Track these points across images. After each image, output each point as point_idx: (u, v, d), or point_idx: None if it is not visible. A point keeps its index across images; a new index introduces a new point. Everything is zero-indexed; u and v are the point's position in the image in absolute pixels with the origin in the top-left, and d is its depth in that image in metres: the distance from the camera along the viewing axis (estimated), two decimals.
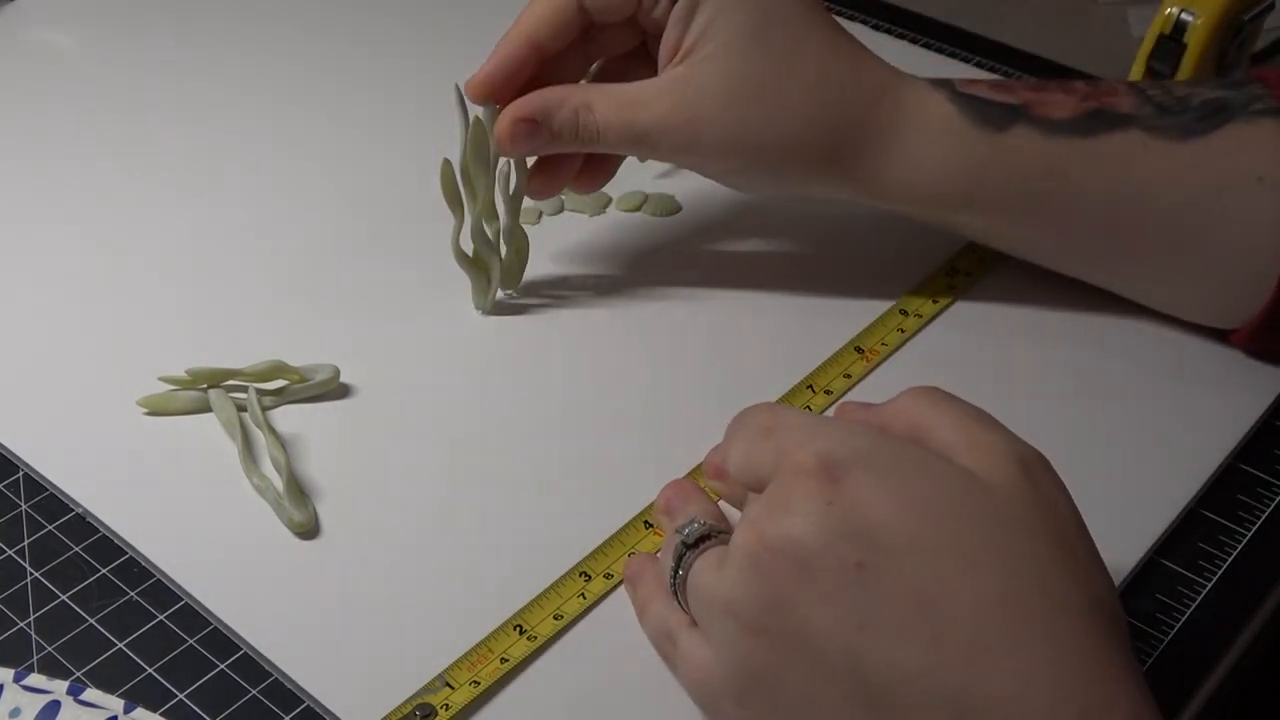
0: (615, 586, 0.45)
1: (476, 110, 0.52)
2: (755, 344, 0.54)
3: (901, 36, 0.73)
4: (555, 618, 0.44)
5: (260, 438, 0.50)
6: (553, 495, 0.48)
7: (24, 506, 0.48)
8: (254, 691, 0.43)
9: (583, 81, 0.53)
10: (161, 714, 0.42)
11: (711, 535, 0.40)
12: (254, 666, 0.43)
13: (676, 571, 0.40)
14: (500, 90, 0.51)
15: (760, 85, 0.50)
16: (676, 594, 0.40)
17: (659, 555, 0.42)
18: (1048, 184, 0.51)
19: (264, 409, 0.50)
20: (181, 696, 0.42)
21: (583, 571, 0.45)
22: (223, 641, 0.44)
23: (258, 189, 0.63)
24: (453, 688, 0.42)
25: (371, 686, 0.42)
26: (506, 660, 0.43)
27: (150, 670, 0.43)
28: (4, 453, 0.50)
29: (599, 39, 0.53)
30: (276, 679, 0.43)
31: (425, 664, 0.42)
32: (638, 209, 0.62)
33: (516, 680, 0.43)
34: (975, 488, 0.37)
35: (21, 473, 0.49)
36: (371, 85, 0.70)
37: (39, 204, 0.62)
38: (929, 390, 0.40)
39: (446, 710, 0.41)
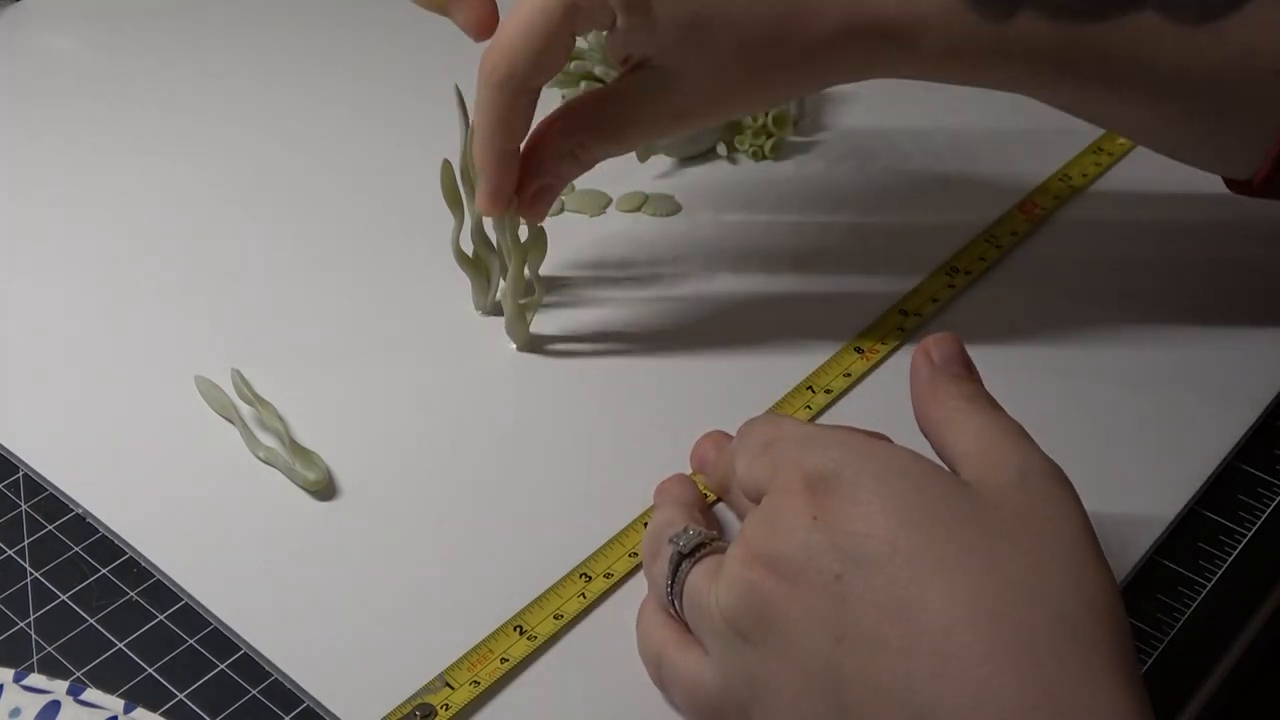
0: (615, 587, 0.45)
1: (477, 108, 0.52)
2: (755, 343, 0.54)
3: None
4: (555, 618, 0.44)
5: (256, 414, 0.50)
6: (553, 495, 0.48)
7: (24, 506, 0.48)
8: (254, 691, 0.43)
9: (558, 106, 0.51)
10: (161, 714, 0.42)
11: (706, 544, 0.40)
12: (254, 666, 0.43)
13: (672, 581, 0.40)
14: (509, 200, 0.50)
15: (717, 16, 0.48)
16: (673, 603, 0.40)
17: (654, 566, 0.42)
18: (1056, 72, 0.48)
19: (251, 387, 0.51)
20: (181, 696, 0.42)
21: (583, 572, 0.45)
22: (223, 641, 0.44)
23: (258, 189, 0.63)
24: (453, 688, 0.42)
25: (371, 686, 0.42)
26: (506, 660, 0.43)
27: (150, 670, 0.43)
28: (4, 453, 0.50)
29: None
30: (276, 679, 0.43)
31: (425, 664, 0.42)
32: (638, 209, 0.62)
33: (516, 680, 0.43)
34: (962, 496, 0.36)
35: (21, 473, 0.49)
36: (371, 86, 0.70)
37: (40, 205, 0.62)
38: (973, 397, 0.40)
39: (446, 710, 0.41)
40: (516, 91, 0.48)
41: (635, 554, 0.46)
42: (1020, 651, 0.33)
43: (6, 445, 0.50)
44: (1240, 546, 0.47)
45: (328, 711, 0.42)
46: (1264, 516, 0.48)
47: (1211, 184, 0.54)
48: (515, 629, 0.44)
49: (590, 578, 0.45)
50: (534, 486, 0.49)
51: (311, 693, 0.42)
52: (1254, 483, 0.49)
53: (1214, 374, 0.53)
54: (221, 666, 0.43)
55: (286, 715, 0.42)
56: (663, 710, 0.42)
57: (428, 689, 0.42)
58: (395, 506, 0.48)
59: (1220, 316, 0.55)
